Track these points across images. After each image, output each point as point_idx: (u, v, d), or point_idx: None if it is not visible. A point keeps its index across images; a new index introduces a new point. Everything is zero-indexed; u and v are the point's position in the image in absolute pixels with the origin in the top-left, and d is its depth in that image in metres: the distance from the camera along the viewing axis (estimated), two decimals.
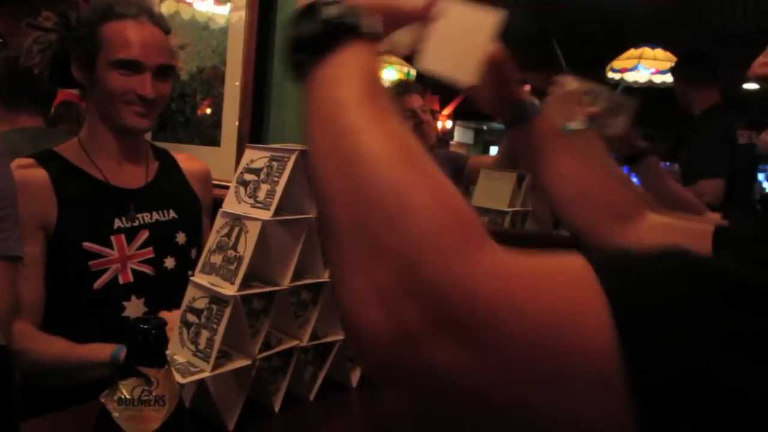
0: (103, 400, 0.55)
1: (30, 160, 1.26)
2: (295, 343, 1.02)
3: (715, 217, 1.19)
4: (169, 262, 1.34)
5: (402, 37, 0.70)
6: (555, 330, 0.34)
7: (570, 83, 1.21)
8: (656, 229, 0.83)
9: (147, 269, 1.30)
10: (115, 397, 0.55)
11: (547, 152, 0.91)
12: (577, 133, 1.18)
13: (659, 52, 4.05)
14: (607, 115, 1.21)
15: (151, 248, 1.31)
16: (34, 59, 1.29)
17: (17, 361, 0.72)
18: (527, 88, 0.96)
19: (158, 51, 1.27)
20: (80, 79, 1.30)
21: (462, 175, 2.22)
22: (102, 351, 1.14)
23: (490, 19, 0.76)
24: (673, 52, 4.00)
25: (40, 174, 1.24)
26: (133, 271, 1.28)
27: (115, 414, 0.54)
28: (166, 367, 0.57)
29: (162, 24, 1.31)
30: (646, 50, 4.13)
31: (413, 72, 6.57)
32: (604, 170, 0.94)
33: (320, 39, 0.49)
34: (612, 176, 0.95)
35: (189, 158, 1.52)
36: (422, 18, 0.66)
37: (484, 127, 8.59)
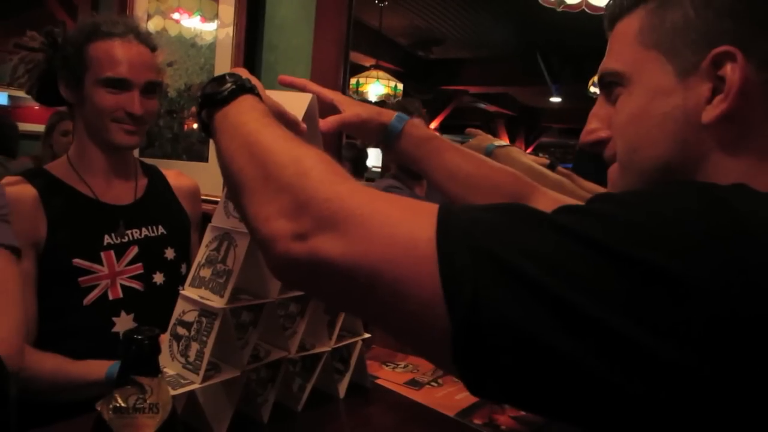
0: (99, 408, 0.57)
1: (18, 177, 1.27)
2: (283, 354, 1.04)
3: None
4: (158, 278, 1.35)
5: None
6: (396, 227, 0.50)
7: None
8: (551, 203, 0.93)
9: (136, 285, 1.32)
10: (111, 405, 0.57)
11: (432, 155, 1.01)
12: (501, 148, 1.32)
13: None
14: None
15: (140, 264, 1.33)
16: (21, 79, 1.31)
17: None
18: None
19: (145, 68, 1.30)
20: (68, 97, 1.31)
21: None
22: (96, 369, 1.15)
23: (304, 100, 0.92)
24: None
25: (29, 191, 1.25)
26: (123, 287, 1.30)
27: (111, 421, 0.56)
28: (160, 376, 0.59)
29: (148, 42, 1.33)
30: None
31: (400, 86, 6.65)
32: (487, 160, 1.04)
33: (228, 92, 0.73)
34: (497, 165, 1.04)
35: (178, 174, 1.54)
36: (294, 128, 0.85)
37: (471, 141, 8.67)
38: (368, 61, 7.15)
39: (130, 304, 1.30)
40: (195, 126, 2.19)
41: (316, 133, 0.96)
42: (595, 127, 0.70)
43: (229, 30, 2.04)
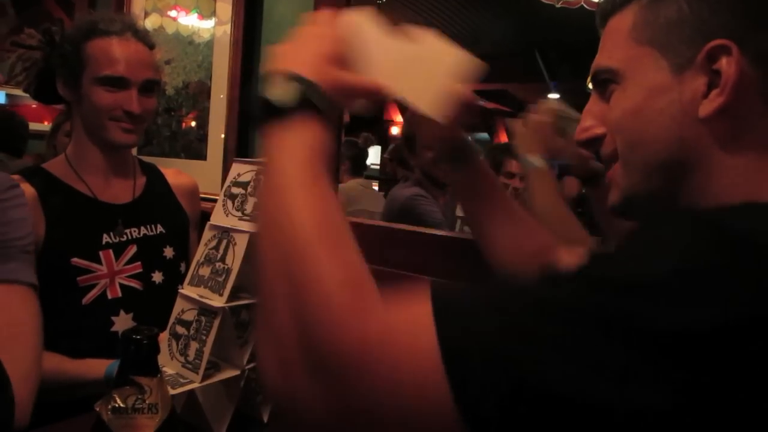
0: (97, 409, 0.57)
1: (16, 177, 1.26)
2: None
3: None
4: (157, 277, 1.35)
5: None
6: (400, 378, 0.45)
7: (546, 107, 1.27)
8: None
9: (135, 284, 1.31)
10: (110, 406, 0.56)
11: (485, 201, 0.98)
12: (535, 169, 1.23)
13: None
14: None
15: (139, 263, 1.32)
16: (18, 77, 1.30)
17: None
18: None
19: (143, 67, 1.29)
20: (66, 96, 1.31)
21: None
22: (96, 367, 1.14)
23: (457, 57, 0.77)
24: None
25: (27, 190, 1.24)
26: (122, 286, 1.29)
27: (110, 422, 0.56)
28: (159, 375, 0.59)
29: (146, 40, 1.33)
30: None
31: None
32: (533, 221, 1.00)
33: (283, 107, 0.60)
34: (540, 226, 1.00)
35: (177, 173, 1.53)
36: (376, 96, 0.73)
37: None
38: None
39: (129, 304, 1.29)
40: (194, 125, 2.18)
41: (443, 87, 0.77)
42: (589, 124, 0.69)
43: (227, 27, 2.03)
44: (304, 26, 0.69)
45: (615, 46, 0.64)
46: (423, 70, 0.75)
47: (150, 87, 1.31)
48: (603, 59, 0.65)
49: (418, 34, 0.76)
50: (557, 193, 1.27)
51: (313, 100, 0.60)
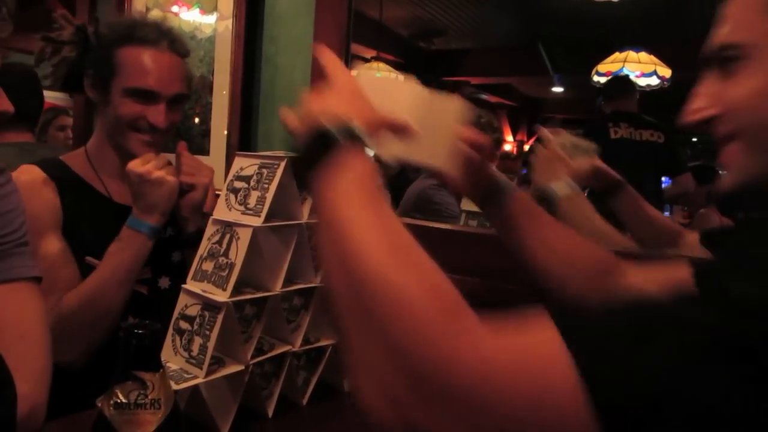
0: (99, 405, 0.56)
1: (38, 169, 1.24)
2: (287, 348, 1.03)
3: (693, 238, 1.12)
4: (164, 282, 1.33)
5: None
6: (533, 404, 0.43)
7: (550, 138, 1.32)
8: (632, 276, 0.88)
9: (142, 289, 1.29)
10: (112, 402, 0.56)
11: (526, 226, 0.93)
12: (569, 201, 1.22)
13: (643, 55, 4.10)
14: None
15: (148, 268, 1.30)
16: (45, 70, 1.28)
17: None
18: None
19: (174, 80, 1.26)
20: (92, 96, 1.28)
21: None
22: (116, 252, 1.19)
23: (454, 106, 0.80)
24: (656, 56, 4.06)
25: (48, 181, 1.22)
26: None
27: (112, 418, 0.55)
28: (162, 371, 0.58)
29: (181, 50, 1.29)
30: (631, 53, 4.18)
31: (401, 78, 6.64)
32: (580, 238, 0.95)
33: (331, 144, 0.60)
34: (589, 244, 0.95)
35: None
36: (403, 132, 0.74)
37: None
38: (369, 53, 7.11)
39: (137, 309, 1.26)
40: (196, 120, 2.18)
41: (445, 140, 0.83)
42: (700, 105, 0.65)
43: (229, 22, 2.02)
44: (325, 82, 0.71)
45: (744, 20, 0.60)
46: (428, 125, 0.77)
47: (179, 100, 1.29)
48: (729, 35, 0.61)
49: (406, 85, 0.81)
50: (593, 213, 1.24)
51: (356, 133, 0.62)
